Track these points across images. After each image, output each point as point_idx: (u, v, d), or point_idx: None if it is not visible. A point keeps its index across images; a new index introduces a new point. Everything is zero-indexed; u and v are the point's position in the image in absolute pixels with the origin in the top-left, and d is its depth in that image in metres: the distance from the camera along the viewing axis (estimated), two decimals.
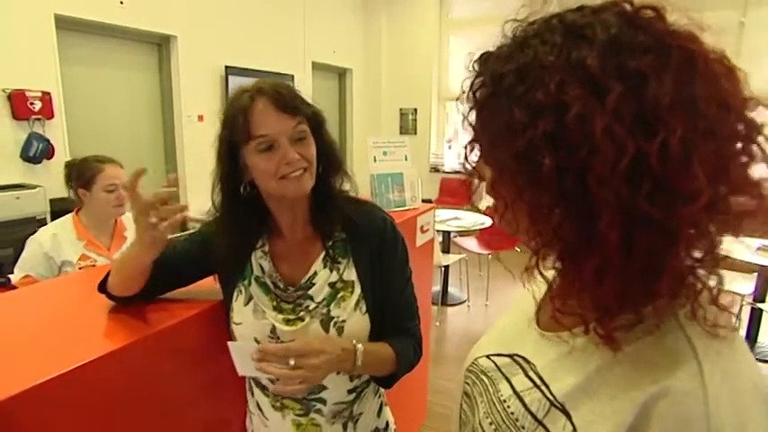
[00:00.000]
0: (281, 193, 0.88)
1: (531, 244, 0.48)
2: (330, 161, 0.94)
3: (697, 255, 0.42)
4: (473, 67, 0.48)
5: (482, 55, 0.47)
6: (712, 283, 0.44)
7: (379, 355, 0.93)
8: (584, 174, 0.40)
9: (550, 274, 0.55)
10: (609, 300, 0.44)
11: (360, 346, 0.88)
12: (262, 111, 0.84)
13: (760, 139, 0.42)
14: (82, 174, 1.74)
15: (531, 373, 0.54)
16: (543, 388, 0.51)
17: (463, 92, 0.49)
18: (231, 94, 0.90)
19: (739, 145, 0.41)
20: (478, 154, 0.50)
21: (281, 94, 0.86)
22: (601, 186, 0.39)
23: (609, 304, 0.45)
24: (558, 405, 0.49)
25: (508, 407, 0.54)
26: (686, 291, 0.43)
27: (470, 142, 0.50)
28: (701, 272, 0.43)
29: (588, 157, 0.39)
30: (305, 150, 0.87)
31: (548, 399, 0.50)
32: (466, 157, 0.51)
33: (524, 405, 0.52)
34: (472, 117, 0.49)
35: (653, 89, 0.38)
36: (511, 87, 0.43)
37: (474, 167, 0.51)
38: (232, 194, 0.92)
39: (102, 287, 0.97)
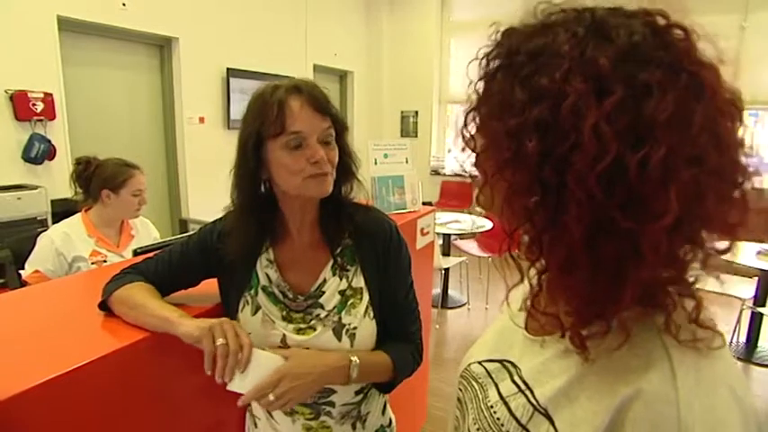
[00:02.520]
0: (303, 192, 0.88)
1: (504, 225, 0.49)
2: (345, 168, 0.94)
3: (665, 274, 0.43)
4: (496, 37, 0.48)
5: (507, 29, 0.48)
6: (690, 303, 0.44)
7: (376, 366, 0.93)
8: (563, 166, 0.40)
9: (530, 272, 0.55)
10: (577, 300, 0.45)
11: (355, 359, 0.88)
12: (298, 108, 0.84)
13: (746, 185, 0.42)
14: (112, 177, 1.82)
15: (516, 378, 0.54)
16: (527, 393, 0.52)
17: (477, 59, 0.49)
18: (257, 89, 0.89)
19: (722, 183, 0.41)
20: (477, 122, 0.50)
21: (317, 95, 0.87)
22: (576, 182, 0.40)
23: (578, 305, 0.45)
24: (542, 410, 0.49)
25: (494, 412, 0.54)
26: (660, 305, 0.44)
27: (472, 109, 0.50)
28: (671, 290, 0.43)
29: (571, 150, 0.40)
30: (330, 153, 0.88)
31: (531, 404, 0.50)
32: (465, 123, 0.51)
33: (509, 410, 0.53)
34: (480, 85, 0.49)
35: (653, 103, 0.38)
36: (521, 65, 0.44)
37: (469, 134, 0.52)
38: (253, 190, 0.91)
39: (104, 306, 0.95)
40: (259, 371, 0.81)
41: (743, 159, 0.42)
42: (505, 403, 0.54)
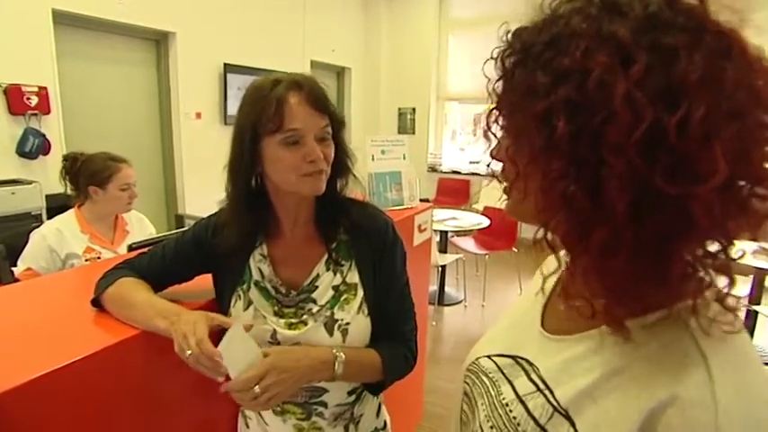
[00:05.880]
0: (297, 189, 0.87)
1: (540, 216, 0.47)
2: (341, 164, 0.94)
3: (710, 248, 0.41)
4: (507, 38, 0.48)
5: (517, 29, 0.47)
6: (722, 281, 0.43)
7: (364, 365, 0.91)
8: (598, 141, 0.39)
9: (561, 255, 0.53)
10: (618, 283, 0.43)
11: (341, 355, 0.87)
12: (297, 104, 0.84)
13: None
14: (97, 172, 1.79)
15: (534, 377, 0.53)
16: (547, 393, 0.50)
17: (493, 58, 0.48)
18: (255, 81, 0.88)
19: (766, 138, 0.40)
20: (501, 122, 0.50)
21: (317, 92, 0.86)
22: (614, 155, 0.38)
23: (618, 289, 0.43)
24: (562, 411, 0.48)
25: (510, 411, 0.53)
26: (695, 285, 0.42)
27: (494, 109, 0.49)
28: (711, 264, 0.42)
29: (604, 123, 0.39)
30: (327, 150, 0.87)
31: (551, 404, 0.49)
32: (488, 125, 0.50)
33: (527, 410, 0.51)
34: (498, 85, 0.48)
35: (682, 64, 0.38)
36: (539, 54, 0.43)
37: (494, 135, 0.51)
38: (246, 184, 0.90)
39: (96, 303, 0.94)
40: (239, 349, 0.79)
41: None
42: (522, 402, 0.52)
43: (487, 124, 0.50)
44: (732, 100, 0.38)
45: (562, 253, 0.52)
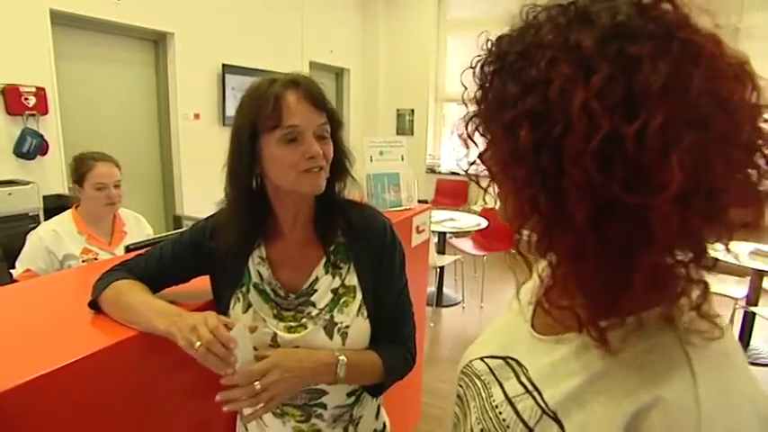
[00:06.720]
0: (296, 187, 0.87)
1: (513, 222, 0.49)
2: (339, 165, 0.93)
3: (679, 256, 0.41)
4: (487, 47, 0.48)
5: (498, 37, 0.48)
6: (697, 289, 0.43)
7: (364, 367, 0.92)
8: (559, 151, 0.40)
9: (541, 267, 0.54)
10: (590, 289, 0.44)
11: (343, 358, 0.87)
12: (295, 101, 0.84)
13: (766, 150, 0.40)
14: (76, 170, 1.77)
15: (524, 378, 0.53)
16: (535, 394, 0.50)
17: (472, 67, 0.49)
18: (253, 83, 0.88)
19: (732, 147, 0.39)
20: (479, 129, 0.51)
21: (314, 90, 0.86)
22: (572, 164, 0.39)
23: (591, 295, 0.44)
24: (550, 413, 0.48)
25: (500, 413, 0.53)
26: (665, 293, 0.43)
27: (472, 117, 0.50)
28: (682, 273, 0.42)
29: (563, 134, 0.39)
30: (326, 148, 0.87)
31: (539, 406, 0.49)
32: (468, 132, 0.51)
33: (516, 412, 0.51)
34: (478, 93, 0.49)
35: (645, 73, 0.37)
36: (512, 64, 0.44)
37: (472, 139, 0.52)
38: (246, 184, 0.90)
39: (94, 305, 0.94)
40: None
41: (762, 124, 0.40)
42: (511, 404, 0.52)
43: (467, 133, 0.51)
44: (695, 108, 0.38)
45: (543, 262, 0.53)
